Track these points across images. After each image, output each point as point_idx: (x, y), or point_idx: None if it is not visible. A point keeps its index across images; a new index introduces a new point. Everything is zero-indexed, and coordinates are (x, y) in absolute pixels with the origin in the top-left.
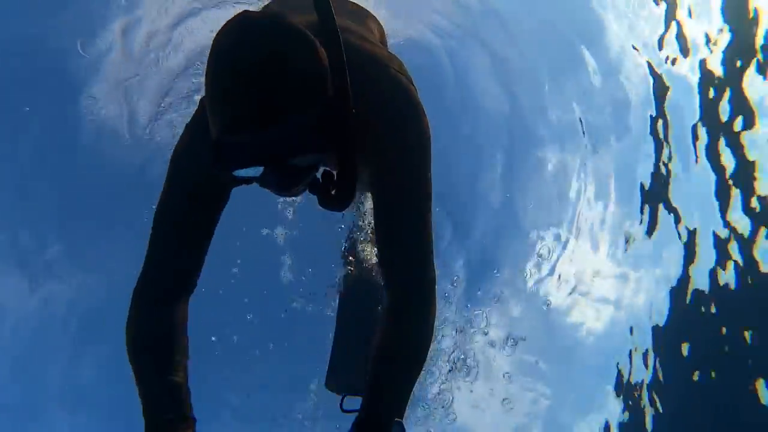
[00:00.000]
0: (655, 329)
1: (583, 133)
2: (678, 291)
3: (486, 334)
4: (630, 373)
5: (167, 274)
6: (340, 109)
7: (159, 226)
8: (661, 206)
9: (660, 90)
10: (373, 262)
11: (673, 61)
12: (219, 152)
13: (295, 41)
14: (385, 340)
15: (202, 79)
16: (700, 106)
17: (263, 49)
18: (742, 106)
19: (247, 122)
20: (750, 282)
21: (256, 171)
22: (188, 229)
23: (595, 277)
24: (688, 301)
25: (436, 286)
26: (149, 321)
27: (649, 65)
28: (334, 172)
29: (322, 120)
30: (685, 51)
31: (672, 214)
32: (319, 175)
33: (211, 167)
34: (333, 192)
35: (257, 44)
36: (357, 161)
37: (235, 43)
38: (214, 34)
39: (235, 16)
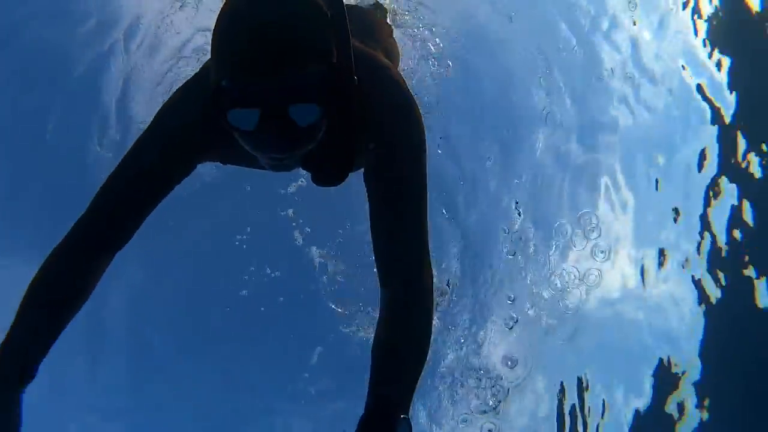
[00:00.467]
0: None
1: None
2: None
3: None
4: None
5: (104, 228)
6: (344, 74)
7: (119, 176)
8: None
9: None
10: None
11: None
12: (223, 92)
13: (311, 3)
14: (388, 334)
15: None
16: None
17: (283, 1)
18: None
19: (260, 63)
20: None
21: (252, 123)
22: (145, 189)
23: None
24: None
25: (434, 280)
26: (60, 270)
27: None
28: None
29: (328, 77)
30: None
31: None
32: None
33: (211, 107)
34: (328, 166)
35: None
36: (355, 139)
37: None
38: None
39: None
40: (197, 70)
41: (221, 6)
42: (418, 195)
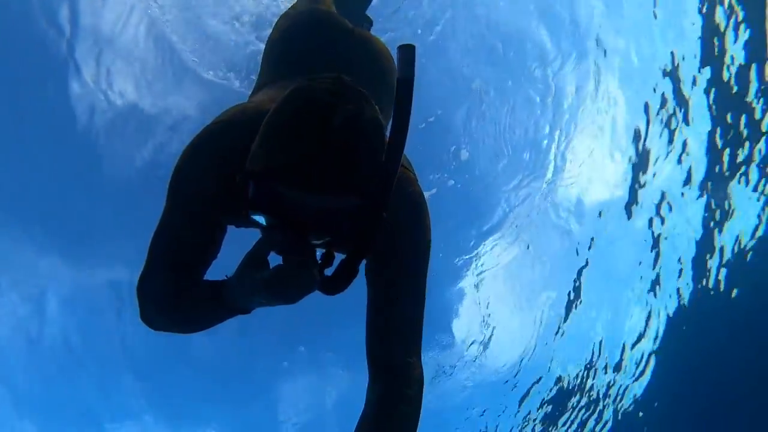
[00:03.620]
0: None
1: None
2: None
3: None
4: None
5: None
6: (377, 209)
7: (159, 247)
8: None
9: None
10: None
11: None
12: (255, 184)
13: (379, 135)
14: (380, 428)
15: None
16: None
17: (359, 124)
18: None
19: (310, 179)
20: None
21: (269, 223)
22: (189, 258)
23: None
24: None
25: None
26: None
27: None
28: (335, 256)
29: (362, 210)
30: None
31: None
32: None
33: (240, 185)
34: (328, 276)
35: (357, 116)
36: (363, 258)
37: (335, 101)
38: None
39: (329, 76)
40: (208, 125)
41: (293, 91)
42: (420, 295)
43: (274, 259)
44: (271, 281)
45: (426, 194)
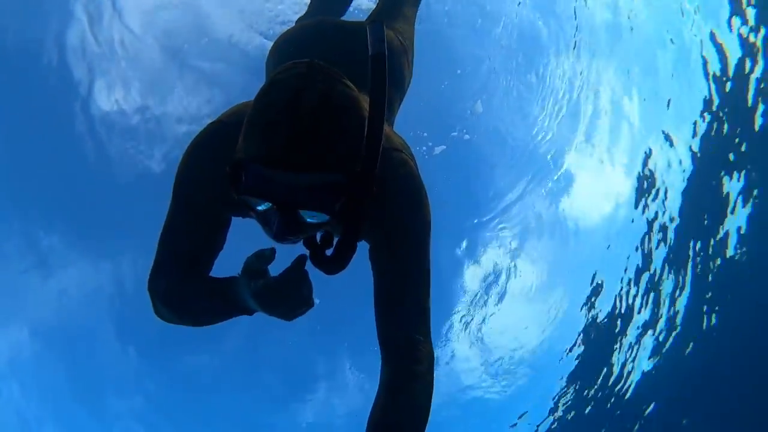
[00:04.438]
0: None
1: None
2: None
3: None
4: None
5: (179, 270)
6: (363, 185)
7: (166, 244)
8: None
9: None
10: None
11: None
12: (241, 174)
13: (354, 111)
14: (386, 419)
15: None
16: None
17: (329, 101)
18: None
19: (286, 160)
20: None
21: (262, 206)
22: (195, 251)
23: None
24: None
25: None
26: (172, 296)
27: None
28: (335, 237)
29: (347, 187)
30: None
31: None
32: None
33: (228, 179)
34: (328, 255)
35: (326, 94)
36: (359, 235)
37: (304, 84)
38: (274, 68)
39: (301, 61)
40: (207, 126)
41: (268, 82)
42: (423, 277)
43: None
44: (260, 292)
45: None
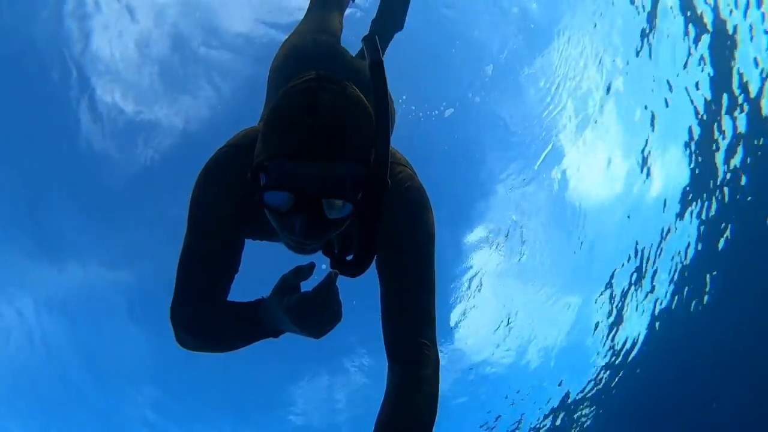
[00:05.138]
0: None
1: None
2: None
3: None
4: None
5: (197, 297)
6: (379, 175)
7: (185, 273)
8: None
9: None
10: None
11: None
12: (265, 171)
13: (363, 110)
14: (397, 416)
15: None
16: None
17: (344, 99)
18: None
19: (307, 150)
20: None
21: (286, 204)
22: (215, 277)
23: None
24: None
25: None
26: (193, 323)
27: None
28: (354, 240)
29: (364, 177)
30: None
31: None
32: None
33: (251, 183)
34: (350, 258)
35: (341, 93)
36: (379, 234)
37: (319, 85)
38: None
39: (310, 73)
40: (216, 152)
41: (282, 93)
42: (428, 284)
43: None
44: (293, 306)
45: None
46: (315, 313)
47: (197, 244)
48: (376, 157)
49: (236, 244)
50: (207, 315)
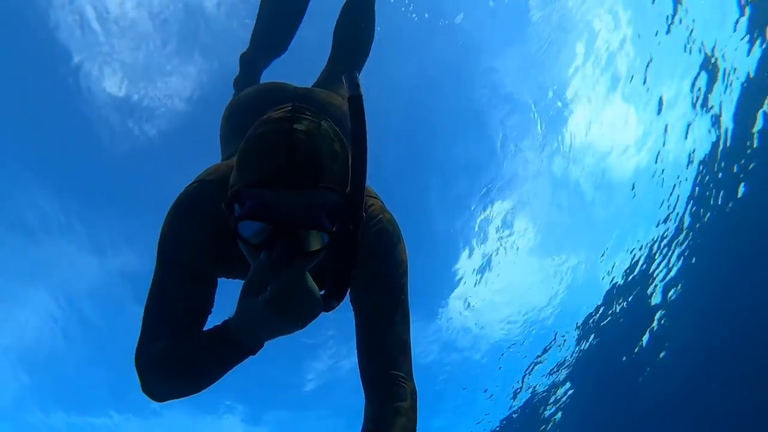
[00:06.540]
0: None
1: None
2: None
3: None
4: None
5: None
6: (355, 206)
7: (153, 314)
8: None
9: None
10: None
11: None
12: (240, 200)
13: (339, 141)
14: None
15: None
16: None
17: (321, 128)
18: None
19: (287, 179)
20: None
21: (260, 237)
22: (186, 316)
23: None
24: None
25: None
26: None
27: None
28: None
29: (342, 208)
30: None
31: None
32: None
33: (226, 213)
34: (323, 292)
35: (317, 123)
36: (354, 267)
37: (294, 115)
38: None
39: (285, 106)
40: (186, 188)
41: (257, 122)
42: (403, 316)
43: None
44: (271, 299)
45: None
46: (294, 299)
47: (170, 283)
48: (353, 188)
49: (210, 282)
50: (179, 350)
